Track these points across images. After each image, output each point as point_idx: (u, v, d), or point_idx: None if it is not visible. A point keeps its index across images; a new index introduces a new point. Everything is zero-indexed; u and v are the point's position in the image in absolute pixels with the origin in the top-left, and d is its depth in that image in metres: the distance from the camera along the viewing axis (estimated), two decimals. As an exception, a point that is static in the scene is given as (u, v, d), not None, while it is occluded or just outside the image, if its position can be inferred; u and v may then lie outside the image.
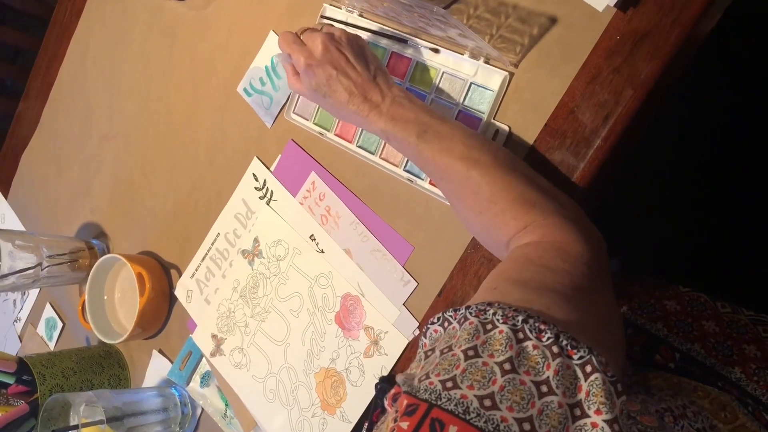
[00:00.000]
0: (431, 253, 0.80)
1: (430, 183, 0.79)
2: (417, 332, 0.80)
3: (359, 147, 0.86)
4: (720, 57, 0.99)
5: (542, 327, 0.45)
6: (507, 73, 0.75)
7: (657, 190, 1.21)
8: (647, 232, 1.17)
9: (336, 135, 0.88)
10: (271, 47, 0.98)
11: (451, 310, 0.51)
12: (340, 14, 0.88)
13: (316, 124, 0.90)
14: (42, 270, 1.12)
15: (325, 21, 0.89)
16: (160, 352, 1.10)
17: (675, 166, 1.20)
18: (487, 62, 0.77)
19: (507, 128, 0.75)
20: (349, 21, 0.87)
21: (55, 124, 1.36)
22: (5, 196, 1.45)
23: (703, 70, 0.85)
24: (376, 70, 0.72)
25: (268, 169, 0.96)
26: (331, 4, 0.90)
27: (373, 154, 0.84)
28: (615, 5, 0.67)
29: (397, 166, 0.82)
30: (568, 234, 0.58)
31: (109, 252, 1.21)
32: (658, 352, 0.71)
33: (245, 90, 1.00)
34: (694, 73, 0.75)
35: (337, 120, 0.88)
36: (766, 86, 1.14)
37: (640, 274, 0.82)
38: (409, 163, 0.81)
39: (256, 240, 0.96)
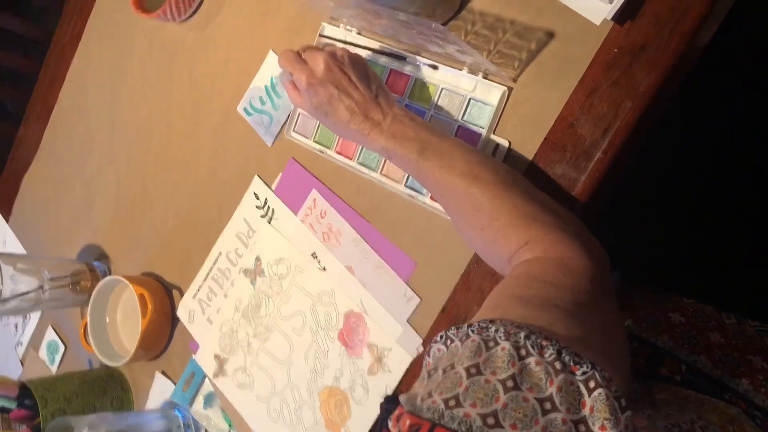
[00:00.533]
0: (434, 268, 0.80)
1: (432, 198, 0.79)
2: (421, 349, 0.80)
3: (360, 164, 0.86)
4: (719, 67, 1.00)
5: (544, 343, 0.44)
6: (506, 87, 0.75)
7: (659, 201, 1.21)
8: (650, 244, 1.17)
9: (336, 152, 0.88)
10: (270, 66, 0.98)
11: (453, 328, 0.50)
12: (338, 32, 0.89)
13: (316, 141, 0.90)
14: (44, 293, 1.11)
15: (324, 40, 0.89)
16: (163, 373, 1.09)
17: (676, 177, 1.20)
18: (485, 77, 0.77)
19: (507, 143, 0.75)
20: (348, 39, 0.87)
21: (56, 146, 1.37)
22: (6, 219, 1.45)
23: (703, 81, 0.85)
24: (378, 89, 0.73)
25: (269, 187, 0.96)
26: (329, 23, 0.90)
27: (374, 170, 0.84)
28: (612, 18, 0.67)
29: (398, 182, 0.82)
30: (569, 249, 0.58)
31: (110, 274, 1.21)
32: (664, 364, 0.71)
33: (245, 109, 1.00)
34: (694, 84, 0.75)
35: (338, 137, 0.88)
36: (766, 95, 1.15)
37: (644, 286, 0.81)
38: (410, 179, 0.81)
39: (257, 259, 0.96)
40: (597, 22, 0.68)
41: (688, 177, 1.19)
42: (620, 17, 0.67)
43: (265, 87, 0.98)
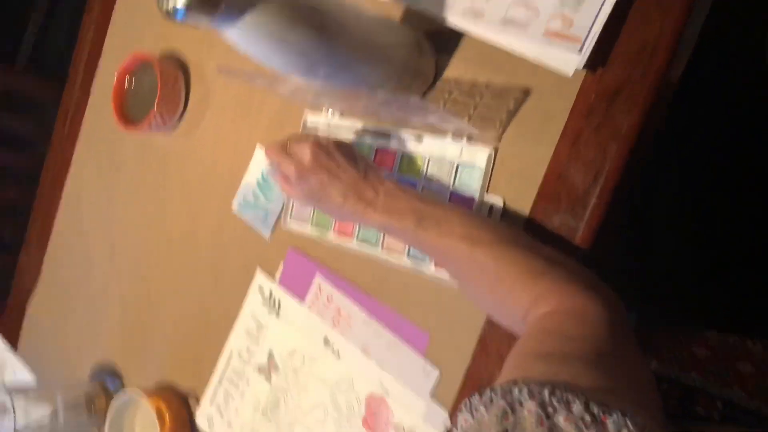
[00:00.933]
0: (449, 337, 0.79)
1: (436, 266, 0.79)
2: (448, 423, 0.78)
3: (360, 242, 0.86)
4: (697, 96, 1.01)
5: (570, 397, 0.43)
6: (491, 148, 0.76)
7: (660, 235, 1.20)
8: (660, 280, 1.16)
9: (335, 234, 0.88)
10: (259, 162, 0.99)
11: (476, 394, 0.49)
12: (321, 119, 0.90)
13: (314, 227, 0.91)
14: (58, 420, 1.09)
15: (309, 127, 0.91)
16: (188, 486, 1.06)
17: (674, 208, 1.20)
18: (470, 141, 0.78)
19: (501, 201, 0.75)
20: (332, 124, 0.89)
21: (57, 271, 1.37)
22: (15, 348, 1.44)
23: (685, 111, 0.86)
24: (366, 167, 0.73)
25: (273, 280, 0.96)
26: (311, 111, 0.92)
27: (374, 246, 0.84)
28: (584, 67, 0.68)
29: (400, 254, 0.82)
30: (581, 299, 0.58)
31: (124, 388, 1.19)
32: (699, 403, 0.69)
33: (240, 206, 1.01)
34: (677, 116, 0.76)
35: (335, 219, 0.89)
36: (751, 115, 1.16)
37: (662, 324, 0.80)
38: (412, 250, 0.81)
39: (270, 354, 0.95)
40: (569, 73, 0.70)
41: (687, 205, 1.19)
42: (591, 65, 0.69)
43: (257, 181, 0.99)
